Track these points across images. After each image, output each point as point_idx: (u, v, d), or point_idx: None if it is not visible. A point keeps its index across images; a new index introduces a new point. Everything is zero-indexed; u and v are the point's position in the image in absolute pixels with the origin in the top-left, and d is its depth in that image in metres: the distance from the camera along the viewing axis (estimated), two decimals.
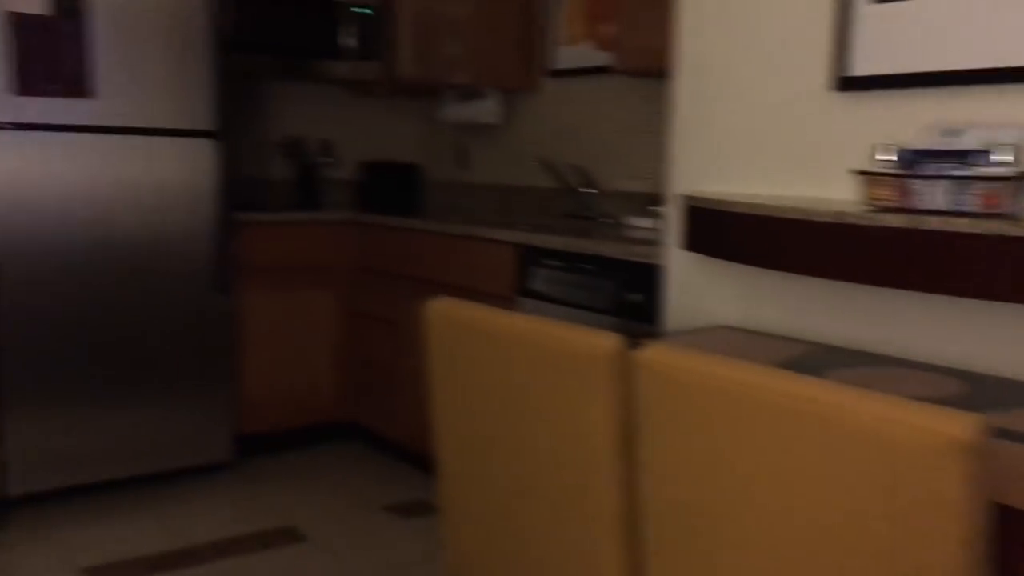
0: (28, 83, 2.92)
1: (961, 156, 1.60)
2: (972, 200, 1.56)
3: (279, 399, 3.68)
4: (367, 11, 3.84)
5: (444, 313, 1.73)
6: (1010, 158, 1.55)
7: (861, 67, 1.92)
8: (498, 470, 1.66)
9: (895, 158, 1.68)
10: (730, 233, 1.85)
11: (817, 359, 1.80)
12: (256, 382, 3.61)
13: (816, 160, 2.00)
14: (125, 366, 3.20)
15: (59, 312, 3.06)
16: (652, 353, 1.30)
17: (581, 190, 3.56)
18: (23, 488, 3.04)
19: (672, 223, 2.32)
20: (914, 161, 1.66)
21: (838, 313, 1.96)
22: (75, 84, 3.00)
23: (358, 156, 4.39)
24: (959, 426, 1.00)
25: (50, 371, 3.06)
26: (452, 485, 1.80)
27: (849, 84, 1.92)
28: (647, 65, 2.94)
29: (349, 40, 3.82)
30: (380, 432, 3.72)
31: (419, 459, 3.58)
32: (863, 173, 1.71)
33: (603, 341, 1.38)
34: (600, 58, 3.50)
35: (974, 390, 1.62)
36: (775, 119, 2.07)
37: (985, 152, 1.58)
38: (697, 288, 2.26)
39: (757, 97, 2.10)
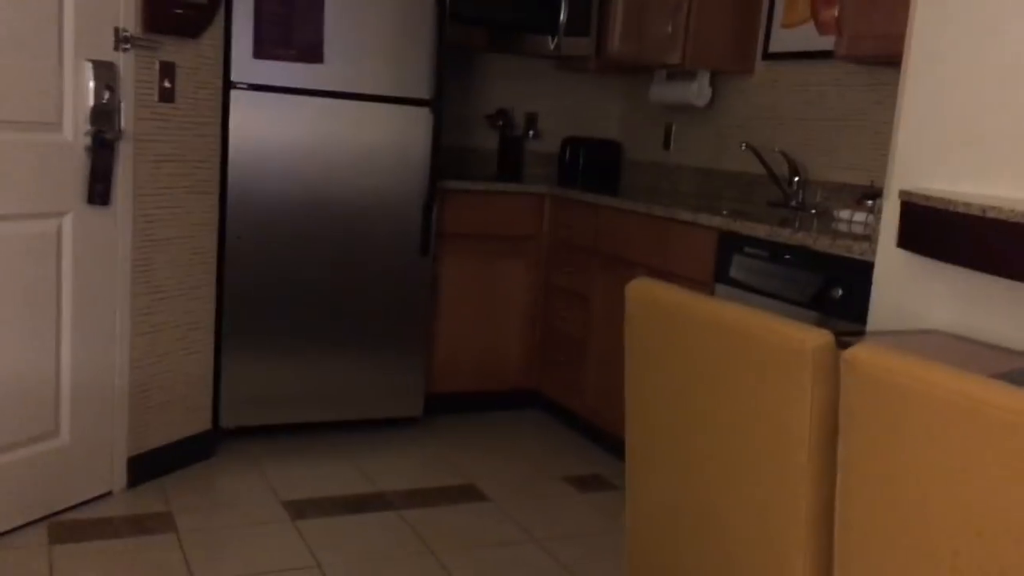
0: (265, 48, 3.13)
1: None
2: None
3: (467, 362, 3.81)
4: None
5: (645, 294, 1.74)
6: None
7: None
8: (689, 457, 1.66)
9: None
10: (954, 235, 1.76)
11: None
12: (447, 344, 3.75)
13: None
14: (333, 318, 3.41)
15: (278, 261, 3.29)
16: (865, 353, 1.27)
17: (788, 178, 3.46)
18: (234, 422, 3.31)
19: (888, 218, 2.22)
20: None
21: None
22: (307, 50, 3.19)
23: (562, 131, 4.45)
24: None
25: (265, 317, 3.30)
26: (640, 467, 1.82)
27: None
28: (871, 51, 2.81)
29: (562, 16, 3.86)
30: (562, 403, 3.78)
31: (600, 434, 3.62)
32: None
33: (813, 336, 1.36)
34: (820, 42, 3.38)
35: None
36: (1016, 118, 1.94)
37: None
38: (907, 288, 2.16)
39: (996, 93, 1.98)
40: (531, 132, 4.35)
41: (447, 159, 4.18)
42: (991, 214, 1.71)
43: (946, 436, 1.16)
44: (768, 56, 3.66)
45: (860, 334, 2.02)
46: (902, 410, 1.21)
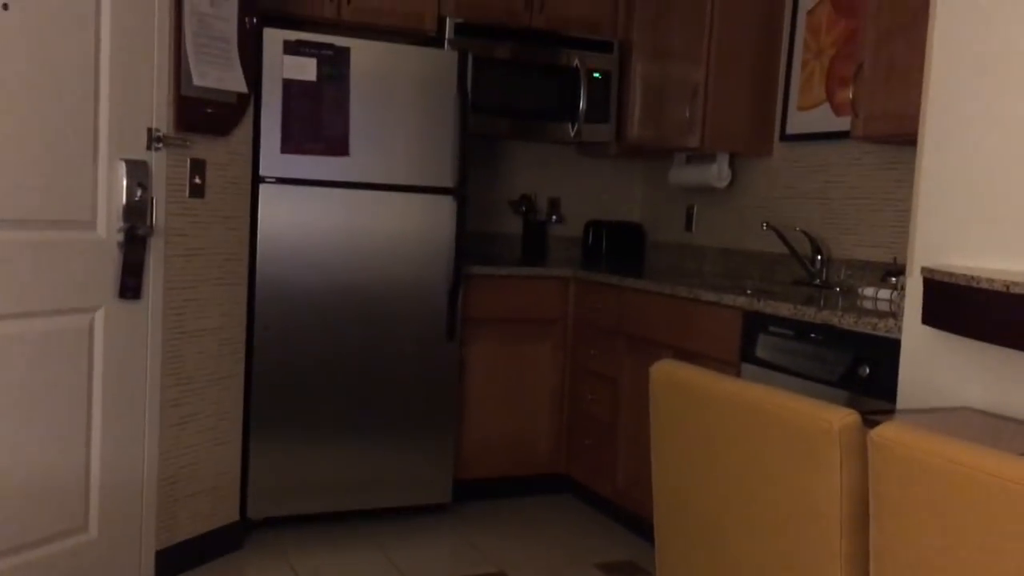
0: (293, 143, 3.22)
1: None
2: None
3: (495, 447, 3.79)
4: (597, 75, 3.95)
5: (669, 376, 1.74)
6: None
7: None
8: (717, 538, 1.64)
9: None
10: (980, 310, 1.75)
11: None
12: (475, 429, 3.74)
13: None
14: (360, 405, 3.42)
15: (305, 351, 3.32)
16: (891, 432, 1.26)
17: (810, 257, 3.47)
18: (262, 512, 3.30)
19: (912, 295, 2.22)
20: None
21: None
22: (333, 144, 3.28)
23: (585, 214, 4.50)
24: None
25: (293, 406, 3.32)
26: (670, 552, 1.79)
27: None
28: (887, 131, 2.84)
29: (581, 104, 3.94)
30: (593, 487, 3.74)
31: (631, 518, 3.56)
32: None
33: (840, 416, 1.35)
34: (836, 123, 3.42)
35: None
36: None
37: None
38: (934, 365, 2.14)
39: (1013, 168, 1.99)
40: (554, 216, 4.40)
41: (472, 245, 4.23)
42: (1015, 290, 1.71)
43: (976, 516, 1.14)
44: (785, 138, 3.70)
45: (889, 412, 2.00)
46: (932, 489, 1.19)
